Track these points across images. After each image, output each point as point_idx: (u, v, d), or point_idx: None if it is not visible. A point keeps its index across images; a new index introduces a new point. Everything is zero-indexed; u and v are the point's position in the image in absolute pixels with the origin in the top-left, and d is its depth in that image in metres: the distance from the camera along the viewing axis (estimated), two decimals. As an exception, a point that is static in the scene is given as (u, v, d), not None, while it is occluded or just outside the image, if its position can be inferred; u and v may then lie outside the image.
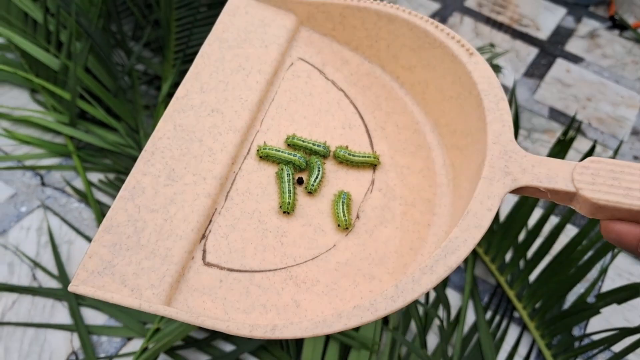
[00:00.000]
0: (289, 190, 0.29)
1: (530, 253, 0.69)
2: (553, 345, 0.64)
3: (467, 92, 0.28)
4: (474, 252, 0.71)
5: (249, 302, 0.26)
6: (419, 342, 0.60)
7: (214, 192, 0.29)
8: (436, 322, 0.64)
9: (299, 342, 0.60)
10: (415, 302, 0.61)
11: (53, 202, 0.73)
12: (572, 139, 0.68)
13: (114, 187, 0.75)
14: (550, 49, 1.10)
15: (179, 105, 0.31)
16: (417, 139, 0.32)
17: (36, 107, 0.84)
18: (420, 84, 0.33)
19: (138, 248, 0.26)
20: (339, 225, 0.29)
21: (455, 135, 0.30)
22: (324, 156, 0.32)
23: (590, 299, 0.67)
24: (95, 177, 0.76)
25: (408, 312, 0.63)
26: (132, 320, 0.62)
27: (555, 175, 0.24)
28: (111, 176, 0.76)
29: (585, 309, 0.60)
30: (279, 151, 0.31)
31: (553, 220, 0.76)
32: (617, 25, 1.18)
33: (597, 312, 0.59)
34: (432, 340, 0.64)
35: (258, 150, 0.31)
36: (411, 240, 0.28)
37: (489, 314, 0.67)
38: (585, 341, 0.65)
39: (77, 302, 0.63)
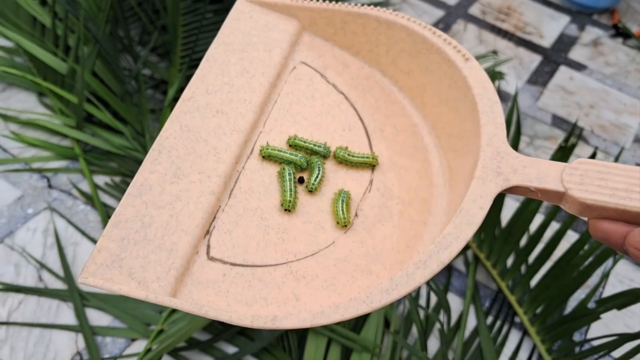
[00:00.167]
0: (290, 189, 0.30)
1: (531, 258, 0.69)
2: (553, 350, 0.64)
3: (462, 96, 0.29)
4: (476, 258, 0.71)
5: (251, 295, 0.27)
6: (420, 346, 0.60)
7: (218, 190, 0.30)
8: (437, 326, 0.64)
9: (301, 345, 0.61)
10: (417, 306, 0.62)
11: (59, 205, 0.74)
12: (573, 146, 0.68)
13: (119, 190, 0.75)
14: (554, 57, 1.11)
15: (185, 107, 0.32)
16: (414, 140, 0.33)
17: (43, 110, 0.85)
18: (418, 87, 0.34)
19: (145, 242, 0.27)
20: (338, 222, 0.30)
21: (451, 137, 0.31)
22: (325, 156, 0.33)
23: (591, 305, 0.67)
24: (101, 179, 0.77)
25: (409, 316, 0.63)
26: (136, 321, 0.63)
27: (545, 175, 0.25)
28: (117, 179, 0.77)
29: (586, 315, 0.60)
30: (281, 151, 0.32)
31: (554, 226, 0.77)
32: (621, 33, 1.18)
33: (598, 318, 0.59)
34: (433, 344, 0.64)
35: (261, 150, 0.32)
36: (408, 238, 0.29)
37: (490, 319, 0.67)
38: (586, 347, 0.65)
39: (82, 303, 0.63)
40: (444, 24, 1.15)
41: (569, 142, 0.69)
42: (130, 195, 0.29)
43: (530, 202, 0.66)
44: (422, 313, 0.65)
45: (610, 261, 0.74)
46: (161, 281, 0.26)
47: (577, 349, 0.64)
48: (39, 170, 0.77)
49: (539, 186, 0.24)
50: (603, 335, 0.58)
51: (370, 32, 0.35)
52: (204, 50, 0.86)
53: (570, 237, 0.76)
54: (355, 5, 0.35)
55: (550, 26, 1.19)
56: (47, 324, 0.62)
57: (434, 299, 0.68)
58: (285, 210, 0.30)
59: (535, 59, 1.10)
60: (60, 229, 0.71)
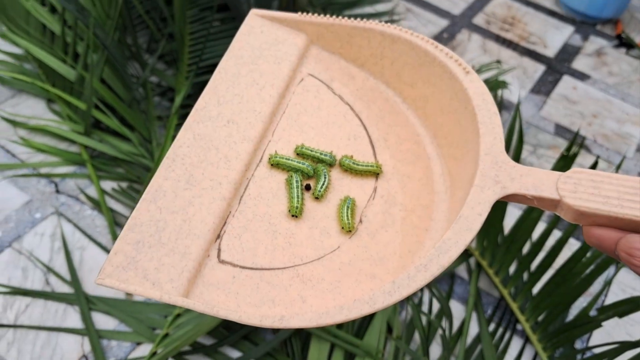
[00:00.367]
0: (298, 196, 0.32)
1: (533, 266, 0.70)
2: (555, 357, 0.64)
3: (463, 107, 0.31)
4: (478, 265, 0.72)
5: (259, 297, 0.28)
6: (422, 352, 0.61)
7: (229, 196, 0.31)
8: (439, 332, 0.65)
9: (304, 350, 0.61)
10: (419, 313, 0.63)
11: (67, 209, 0.74)
12: (575, 155, 0.69)
13: (126, 196, 0.76)
14: (557, 67, 1.12)
15: (198, 116, 0.34)
16: (417, 150, 0.34)
17: (52, 116, 0.85)
18: (421, 99, 0.35)
19: (159, 246, 0.29)
20: (342, 228, 0.31)
21: (452, 146, 0.32)
22: (330, 165, 0.34)
23: (593, 313, 0.67)
24: (108, 185, 0.77)
25: (412, 322, 0.64)
26: (141, 325, 0.63)
27: (541, 184, 0.26)
28: (124, 184, 0.78)
29: (588, 322, 0.60)
30: (288, 159, 0.34)
31: (556, 234, 0.77)
32: (624, 43, 1.20)
33: (599, 326, 0.60)
34: (435, 350, 0.65)
35: (269, 159, 0.34)
36: (410, 243, 0.30)
37: (492, 326, 0.68)
38: (588, 354, 0.66)
39: (88, 307, 0.64)
40: (449, 34, 1.17)
41: (570, 151, 0.70)
42: (145, 200, 0.30)
43: (533, 210, 0.67)
44: (424, 320, 0.66)
45: (612, 270, 0.74)
46: (174, 282, 0.27)
47: (578, 357, 0.64)
48: (47, 176, 0.77)
49: (535, 194, 0.26)
50: (604, 343, 0.59)
51: (375, 46, 0.36)
52: (211, 59, 0.87)
53: (572, 246, 0.77)
54: (361, 19, 0.37)
55: (554, 36, 1.20)
56: (54, 327, 0.63)
57: (436, 305, 0.69)
58: (293, 216, 0.32)
59: (539, 69, 1.11)
60: (68, 234, 0.71)
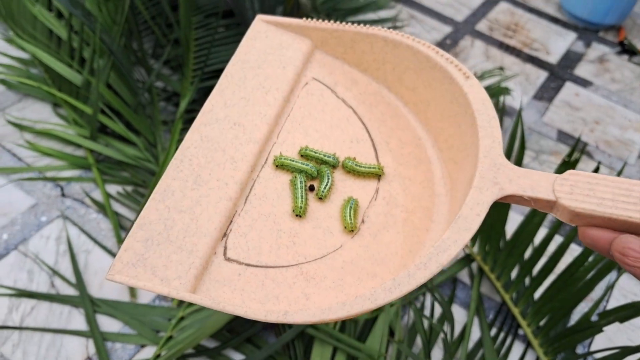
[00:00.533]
0: (302, 196, 0.33)
1: (535, 271, 0.70)
2: (557, 362, 0.64)
3: (463, 111, 0.32)
4: (480, 270, 0.73)
5: (264, 294, 0.29)
6: (424, 355, 0.61)
7: (235, 196, 0.32)
8: (441, 336, 0.65)
9: (306, 353, 0.62)
10: (421, 317, 0.63)
11: (72, 213, 0.75)
12: (576, 161, 0.70)
13: (131, 199, 0.76)
14: (560, 73, 1.13)
15: (205, 119, 0.35)
16: (418, 153, 0.35)
17: (58, 120, 0.86)
18: (422, 103, 0.36)
19: (167, 243, 0.29)
20: (345, 227, 0.32)
21: (453, 150, 0.33)
22: (334, 166, 0.35)
23: (594, 318, 0.68)
24: (113, 189, 0.78)
25: (414, 326, 0.65)
26: (145, 328, 0.64)
27: (538, 185, 0.27)
28: (129, 188, 0.78)
29: (589, 327, 0.61)
30: (293, 161, 0.35)
31: (558, 239, 0.78)
32: (627, 50, 1.20)
33: (600, 331, 0.60)
34: (437, 355, 0.65)
35: (274, 160, 0.35)
36: (411, 244, 0.31)
37: (493, 331, 0.68)
38: (589, 359, 0.66)
39: (93, 309, 0.64)
40: (452, 40, 1.18)
41: (572, 157, 0.70)
42: (154, 199, 0.31)
43: (535, 215, 0.67)
44: (426, 324, 0.66)
45: (614, 275, 0.75)
46: (182, 279, 0.28)
47: (580, 361, 0.65)
48: (52, 179, 0.78)
49: (532, 195, 0.26)
50: (606, 348, 0.59)
51: (378, 51, 0.37)
52: (216, 64, 0.88)
53: (574, 251, 0.77)
54: (365, 24, 0.38)
55: (557, 43, 1.21)
56: (59, 329, 0.63)
57: (438, 310, 0.69)
58: (297, 215, 0.32)
59: (541, 75, 1.12)
60: (73, 237, 0.72)
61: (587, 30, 1.26)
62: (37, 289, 0.66)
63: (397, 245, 0.31)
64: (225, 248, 0.30)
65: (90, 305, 0.65)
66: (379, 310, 0.65)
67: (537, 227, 0.67)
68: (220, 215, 0.31)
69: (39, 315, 0.64)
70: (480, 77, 0.96)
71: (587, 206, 0.25)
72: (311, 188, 0.34)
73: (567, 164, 0.70)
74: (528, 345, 0.67)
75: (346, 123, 0.37)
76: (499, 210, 0.69)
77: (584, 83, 1.11)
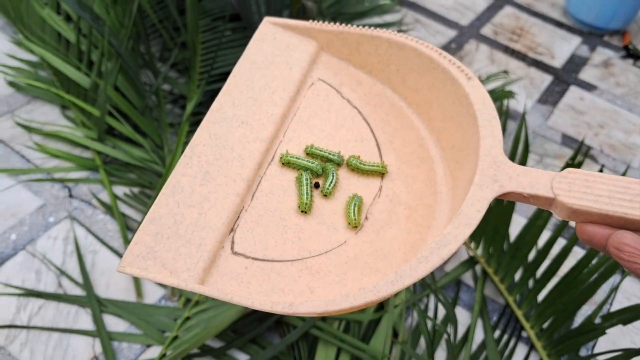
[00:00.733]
0: (307, 193, 0.34)
1: (538, 274, 0.70)
2: (560, 364, 0.65)
3: (464, 112, 0.32)
4: (484, 273, 0.73)
5: (270, 287, 0.29)
6: (428, 357, 0.62)
7: (242, 192, 0.33)
8: (445, 338, 0.65)
9: (311, 354, 0.62)
10: (425, 318, 0.63)
11: (80, 214, 0.75)
12: (580, 164, 0.70)
13: (138, 201, 0.77)
14: (564, 77, 1.13)
15: (213, 117, 0.36)
16: (421, 152, 0.36)
17: (66, 122, 0.87)
18: (425, 103, 0.37)
19: (177, 237, 0.30)
20: (349, 223, 0.33)
21: (454, 149, 0.34)
22: (338, 164, 0.36)
23: (598, 321, 0.68)
24: (120, 190, 0.78)
25: (417, 327, 0.65)
26: (151, 328, 0.64)
27: (537, 183, 0.27)
28: (136, 190, 0.79)
29: (592, 330, 0.61)
30: (299, 159, 0.36)
31: (561, 242, 0.78)
32: (631, 54, 1.20)
33: (603, 333, 0.60)
34: (441, 356, 0.65)
35: (281, 158, 0.36)
36: (413, 240, 0.32)
37: (497, 333, 0.68)
38: (592, 361, 0.66)
39: (99, 309, 0.65)
40: (457, 44, 1.18)
41: (576, 160, 0.71)
42: (164, 195, 0.32)
43: (538, 218, 0.67)
44: (430, 325, 0.66)
45: (617, 278, 0.75)
46: (190, 271, 0.29)
47: (583, 364, 0.65)
48: (60, 180, 0.79)
49: (531, 192, 0.27)
50: (609, 350, 0.59)
51: (382, 53, 0.38)
52: (222, 67, 0.89)
53: (577, 254, 0.77)
54: (370, 27, 0.39)
55: (562, 47, 1.22)
56: (66, 328, 0.64)
57: (442, 312, 0.70)
58: (302, 211, 0.33)
59: (546, 79, 1.12)
60: (80, 238, 0.72)
61: (592, 35, 1.26)
62: (45, 288, 0.67)
63: (399, 241, 0.32)
64: (233, 242, 0.31)
65: (97, 305, 0.65)
66: (382, 311, 0.65)
67: (541, 230, 0.67)
68: (227, 211, 0.32)
69: (46, 315, 0.65)
70: (485, 80, 0.97)
71: (584, 203, 0.26)
72: (316, 185, 0.35)
73: (571, 167, 0.70)
74: (531, 347, 0.67)
75: (351, 123, 0.38)
76: (502, 212, 0.70)
77: (589, 87, 1.11)
